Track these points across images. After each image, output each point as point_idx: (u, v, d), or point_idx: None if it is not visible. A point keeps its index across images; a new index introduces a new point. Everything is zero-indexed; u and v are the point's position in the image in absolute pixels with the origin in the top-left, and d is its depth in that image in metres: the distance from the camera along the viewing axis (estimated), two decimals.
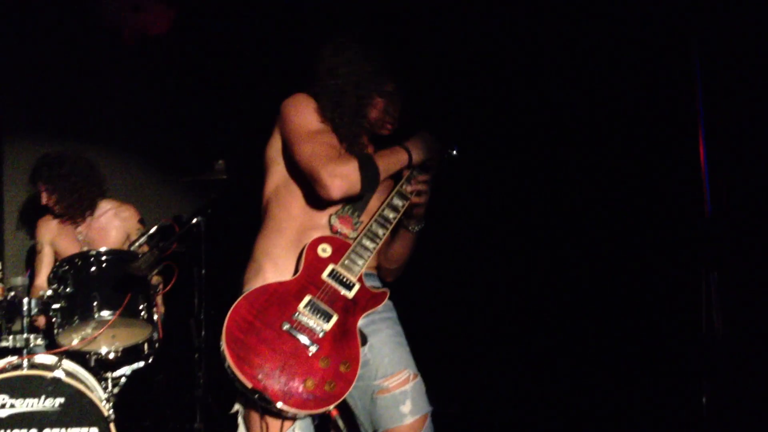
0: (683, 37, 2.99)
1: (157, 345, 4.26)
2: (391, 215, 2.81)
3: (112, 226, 4.84)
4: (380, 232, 2.77)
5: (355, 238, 2.76)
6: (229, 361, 2.51)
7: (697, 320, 2.50)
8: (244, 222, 5.35)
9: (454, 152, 3.01)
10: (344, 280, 2.68)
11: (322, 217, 2.78)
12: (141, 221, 4.79)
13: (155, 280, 4.33)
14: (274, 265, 2.74)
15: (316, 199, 2.74)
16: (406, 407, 2.70)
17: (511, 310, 4.62)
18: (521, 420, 4.56)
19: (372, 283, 2.83)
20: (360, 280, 2.72)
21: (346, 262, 2.71)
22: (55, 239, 4.91)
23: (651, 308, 3.89)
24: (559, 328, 4.42)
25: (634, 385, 3.98)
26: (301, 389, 2.54)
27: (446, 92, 4.70)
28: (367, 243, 2.75)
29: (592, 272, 4.24)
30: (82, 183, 4.80)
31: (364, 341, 2.70)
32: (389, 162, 2.78)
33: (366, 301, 2.71)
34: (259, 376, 2.52)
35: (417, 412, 2.71)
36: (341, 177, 2.65)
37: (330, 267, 2.70)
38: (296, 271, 2.72)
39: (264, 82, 5.41)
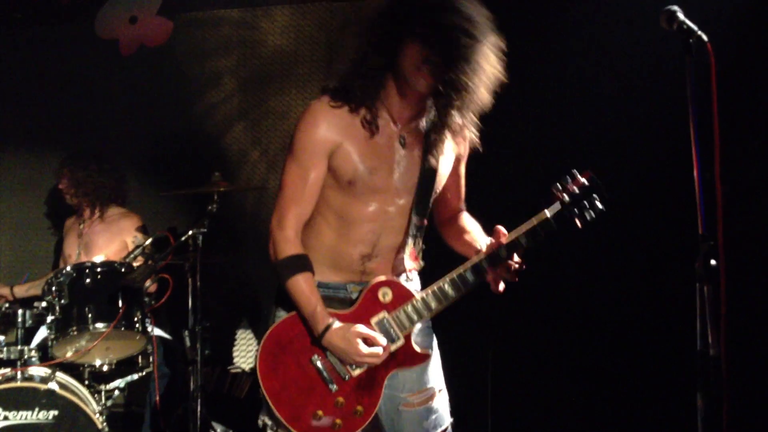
0: (679, 54, 2.99)
1: (150, 358, 4.26)
2: (472, 279, 2.61)
3: (110, 230, 4.87)
4: (451, 294, 2.61)
5: (421, 293, 2.63)
6: (258, 368, 2.61)
7: (691, 335, 2.50)
8: (240, 234, 5.40)
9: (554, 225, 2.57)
10: (390, 331, 2.63)
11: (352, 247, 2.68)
12: (141, 229, 4.80)
13: (152, 288, 4.33)
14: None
15: (344, 231, 2.68)
16: (428, 423, 2.76)
17: (503, 325, 4.61)
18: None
19: (420, 338, 2.74)
20: (407, 336, 2.65)
21: (401, 315, 2.63)
22: (64, 238, 5.02)
23: (644, 324, 3.90)
24: (552, 342, 4.42)
25: (628, 400, 3.98)
26: (309, 418, 2.61)
27: None
28: (432, 303, 2.62)
29: (586, 288, 4.23)
30: (103, 184, 4.88)
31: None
32: (301, 301, 2.59)
33: (404, 357, 2.66)
34: (278, 393, 2.60)
35: (438, 426, 2.77)
36: (273, 243, 2.64)
37: (382, 314, 2.64)
38: (353, 303, 2.68)
39: (263, 92, 5.42)
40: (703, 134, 2.50)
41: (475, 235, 2.80)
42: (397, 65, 2.52)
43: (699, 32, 2.35)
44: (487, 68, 2.49)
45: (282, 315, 2.72)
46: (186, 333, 4.22)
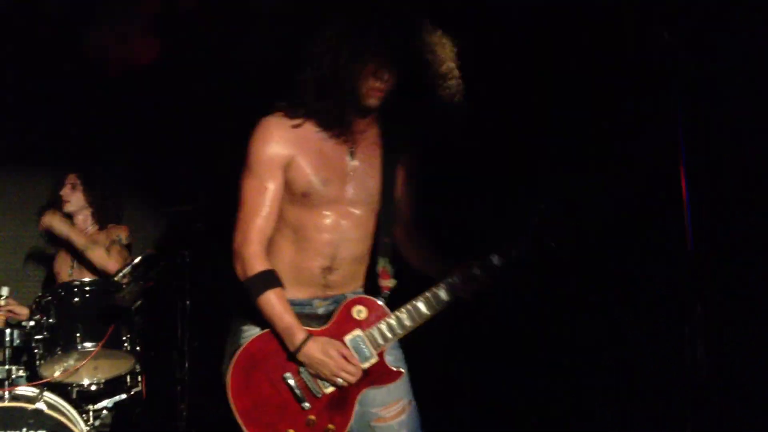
0: (665, 74, 3.03)
1: (139, 377, 4.23)
2: (446, 297, 2.66)
3: (100, 243, 4.82)
4: (425, 312, 2.66)
5: (395, 311, 2.68)
6: (229, 387, 2.59)
7: (680, 353, 2.52)
8: (229, 253, 5.38)
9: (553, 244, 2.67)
10: (364, 349, 2.65)
11: (312, 260, 2.72)
12: (127, 245, 4.77)
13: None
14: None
15: (302, 245, 2.71)
16: None
17: (491, 343, 4.62)
18: None
19: (392, 356, 2.77)
20: (381, 354, 2.68)
21: (374, 332, 2.66)
22: (55, 257, 4.96)
23: (634, 342, 3.90)
24: (540, 361, 4.42)
25: (618, 418, 3.98)
26: None
27: None
28: (405, 320, 2.66)
29: (575, 304, 4.24)
30: (107, 204, 4.85)
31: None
32: (274, 317, 2.60)
33: (377, 375, 2.68)
34: (248, 412, 2.58)
35: None
36: (241, 261, 2.65)
37: (356, 332, 2.66)
38: (322, 319, 2.70)
39: (251, 111, 5.41)
40: (691, 149, 2.54)
41: (435, 252, 2.87)
42: (350, 84, 2.59)
43: (684, 51, 2.39)
44: (439, 73, 2.60)
45: (253, 332, 2.70)
46: (174, 352, 4.21)
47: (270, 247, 2.72)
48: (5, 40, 5.44)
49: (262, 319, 2.65)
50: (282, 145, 2.65)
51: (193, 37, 5.52)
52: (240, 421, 2.58)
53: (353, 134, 2.71)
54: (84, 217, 4.90)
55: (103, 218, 4.87)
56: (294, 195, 2.69)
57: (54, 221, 4.66)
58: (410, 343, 2.84)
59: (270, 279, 2.63)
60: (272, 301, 2.60)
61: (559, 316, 4.34)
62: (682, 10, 3.42)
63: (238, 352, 2.64)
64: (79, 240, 4.61)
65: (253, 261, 2.63)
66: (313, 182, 2.66)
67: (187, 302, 4.15)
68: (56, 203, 4.93)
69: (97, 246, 4.61)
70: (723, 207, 3.28)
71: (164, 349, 4.49)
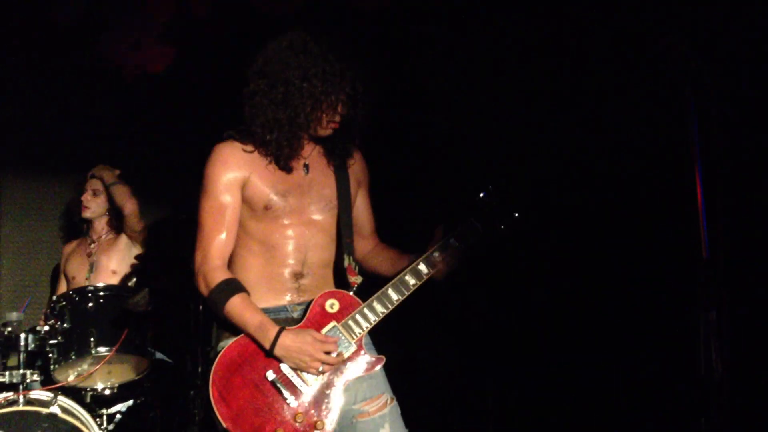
0: (679, 79, 3.03)
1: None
2: (412, 282, 2.77)
3: (117, 248, 4.85)
4: (395, 297, 2.75)
5: (367, 300, 2.75)
6: (211, 397, 2.61)
7: (695, 361, 2.52)
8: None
9: (515, 216, 2.87)
10: (342, 339, 2.69)
11: (279, 268, 2.78)
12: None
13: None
14: None
15: (270, 254, 2.77)
16: (385, 430, 2.77)
17: (502, 353, 4.62)
18: None
19: (370, 350, 2.82)
20: (359, 344, 2.73)
21: (350, 322, 2.72)
22: (67, 261, 4.98)
23: (648, 350, 3.90)
24: (557, 369, 4.42)
25: (632, 426, 3.97)
26: None
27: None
28: (378, 306, 2.74)
29: (589, 313, 4.24)
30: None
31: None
32: (245, 319, 2.64)
33: (358, 364, 2.73)
34: (233, 418, 2.59)
35: None
36: (202, 277, 2.70)
37: (331, 324, 2.71)
38: (297, 321, 2.73)
39: None
40: (705, 152, 2.54)
41: (400, 252, 2.97)
42: (308, 118, 2.71)
43: (699, 61, 2.39)
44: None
45: (230, 339, 2.72)
46: (188, 357, 4.22)
47: (237, 263, 2.80)
48: (20, 47, 5.48)
49: (237, 327, 2.69)
50: (237, 166, 2.75)
51: (206, 44, 5.55)
52: (226, 426, 2.59)
53: (304, 150, 2.83)
54: (101, 224, 4.93)
55: (120, 225, 4.90)
56: (255, 210, 2.77)
57: (104, 169, 4.87)
58: (400, 341, 2.90)
59: (233, 285, 2.68)
60: (239, 305, 2.65)
61: (568, 321, 4.35)
62: (696, 17, 3.43)
63: (216, 359, 2.67)
64: (109, 178, 4.78)
65: (214, 273, 2.69)
66: (272, 196, 2.75)
67: (200, 306, 4.16)
68: (75, 208, 4.96)
69: (124, 186, 4.77)
70: (739, 212, 3.26)
71: (177, 354, 4.52)
